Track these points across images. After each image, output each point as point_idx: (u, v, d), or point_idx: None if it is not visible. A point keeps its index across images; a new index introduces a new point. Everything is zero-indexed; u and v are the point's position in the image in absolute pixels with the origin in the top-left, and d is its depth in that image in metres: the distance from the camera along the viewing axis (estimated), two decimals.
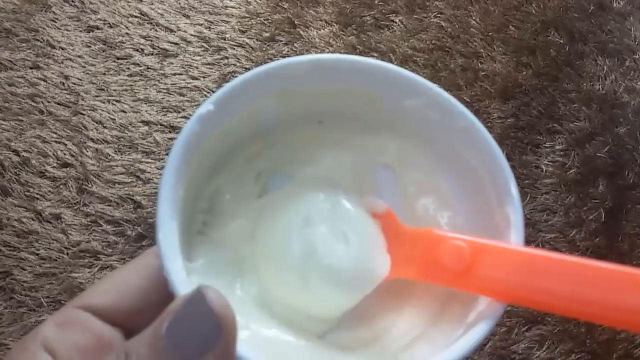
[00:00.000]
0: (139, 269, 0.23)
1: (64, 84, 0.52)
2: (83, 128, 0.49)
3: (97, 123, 0.50)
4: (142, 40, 0.55)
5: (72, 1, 0.57)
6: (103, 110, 0.50)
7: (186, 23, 0.56)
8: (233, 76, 0.53)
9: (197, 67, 0.53)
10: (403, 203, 0.27)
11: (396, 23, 0.56)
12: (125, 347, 0.18)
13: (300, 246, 0.25)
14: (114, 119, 0.50)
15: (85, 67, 0.53)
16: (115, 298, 0.22)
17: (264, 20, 0.56)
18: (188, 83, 0.52)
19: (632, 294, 0.19)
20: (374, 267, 0.25)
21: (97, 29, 0.56)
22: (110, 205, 0.46)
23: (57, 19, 0.56)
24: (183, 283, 0.20)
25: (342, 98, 0.27)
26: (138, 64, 0.53)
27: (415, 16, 0.56)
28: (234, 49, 0.54)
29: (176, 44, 0.55)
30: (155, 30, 0.55)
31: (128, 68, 0.53)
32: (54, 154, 0.48)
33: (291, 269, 0.25)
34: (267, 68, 0.25)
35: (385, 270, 0.25)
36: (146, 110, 0.51)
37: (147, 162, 0.48)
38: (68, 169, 0.48)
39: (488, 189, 0.24)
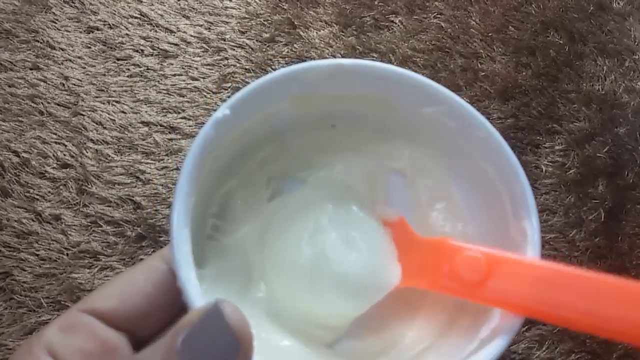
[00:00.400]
0: (144, 272, 0.23)
1: (64, 85, 0.52)
2: (83, 129, 0.49)
3: (97, 124, 0.50)
4: (142, 41, 0.55)
5: (72, 2, 0.57)
6: (103, 111, 0.51)
7: (186, 24, 0.56)
8: (233, 77, 0.53)
9: (197, 68, 0.53)
10: (415, 211, 0.27)
11: (396, 24, 0.56)
12: (138, 358, 0.18)
13: (310, 252, 0.25)
14: (114, 120, 0.50)
15: (85, 68, 0.53)
16: (120, 302, 0.22)
17: (264, 21, 0.56)
18: (188, 84, 0.52)
19: None
20: (384, 275, 0.24)
21: (97, 30, 0.56)
22: (110, 206, 0.46)
23: (57, 20, 0.56)
24: (198, 294, 0.20)
25: (357, 103, 0.26)
26: (138, 65, 0.53)
27: (415, 17, 0.56)
28: (234, 49, 0.54)
29: (176, 44, 0.55)
30: (155, 31, 0.56)
31: (128, 69, 0.53)
32: (53, 155, 0.48)
33: (300, 275, 0.24)
34: (284, 73, 0.25)
35: (396, 279, 0.24)
36: (146, 111, 0.51)
37: (147, 163, 0.48)
38: (68, 169, 0.48)
39: (504, 201, 0.24)
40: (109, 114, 0.50)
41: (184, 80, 0.52)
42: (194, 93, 0.52)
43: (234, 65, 0.53)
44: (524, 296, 0.21)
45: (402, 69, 0.25)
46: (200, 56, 0.54)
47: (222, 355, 0.17)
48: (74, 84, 0.52)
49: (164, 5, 0.57)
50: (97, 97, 0.51)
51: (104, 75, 0.53)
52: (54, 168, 0.48)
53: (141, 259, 0.44)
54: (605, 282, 0.20)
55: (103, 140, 0.49)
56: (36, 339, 0.20)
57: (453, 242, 0.24)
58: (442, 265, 0.23)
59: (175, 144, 0.49)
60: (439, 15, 0.56)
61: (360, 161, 0.27)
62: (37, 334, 0.20)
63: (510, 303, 0.21)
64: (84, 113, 0.50)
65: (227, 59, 0.54)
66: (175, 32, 0.55)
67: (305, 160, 0.27)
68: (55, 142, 0.49)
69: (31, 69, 0.53)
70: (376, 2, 0.57)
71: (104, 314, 0.21)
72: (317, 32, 0.55)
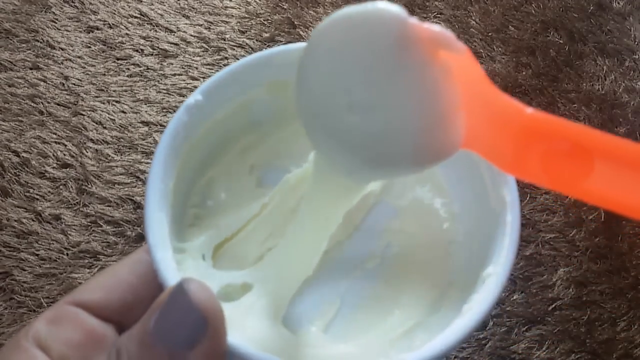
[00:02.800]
0: (129, 265, 0.23)
1: (63, 84, 0.52)
2: (83, 129, 0.49)
3: (96, 124, 0.50)
4: (142, 41, 0.55)
5: (72, 2, 0.57)
6: (103, 111, 0.51)
7: (186, 24, 0.56)
8: None
9: (197, 68, 0.53)
10: (399, 192, 0.27)
11: None
12: (117, 343, 0.18)
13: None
14: (114, 120, 0.50)
15: (85, 67, 0.53)
16: (106, 293, 0.22)
17: (264, 20, 0.56)
18: (188, 83, 0.52)
19: None
20: (440, 130, 0.19)
21: (97, 29, 0.56)
22: (110, 206, 0.46)
23: (57, 19, 0.56)
24: (172, 274, 0.20)
25: None
26: (138, 65, 0.53)
27: (414, 17, 0.56)
28: (234, 49, 0.54)
29: (176, 44, 0.55)
30: (155, 30, 0.56)
31: (128, 69, 0.53)
32: (53, 155, 0.48)
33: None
34: (256, 56, 0.25)
35: (456, 138, 0.19)
36: (146, 111, 0.51)
37: (147, 163, 0.48)
38: (68, 169, 0.48)
39: (483, 172, 0.24)
40: (109, 113, 0.50)
41: (184, 80, 0.52)
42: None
43: None
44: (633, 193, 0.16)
45: None
46: (200, 56, 0.54)
47: (192, 333, 0.17)
48: (74, 84, 0.52)
49: (164, 5, 0.57)
50: (97, 96, 0.51)
51: (104, 75, 0.53)
52: (54, 168, 0.48)
53: None
54: None
55: (103, 140, 0.49)
56: (24, 332, 0.20)
57: (552, 118, 0.17)
58: (532, 147, 0.17)
59: None
60: (439, 15, 0.56)
61: None
62: (25, 327, 0.21)
63: (615, 202, 0.16)
64: (84, 113, 0.50)
65: (227, 58, 0.54)
66: (175, 32, 0.55)
67: (287, 149, 0.27)
68: (55, 142, 0.49)
69: (31, 69, 0.53)
70: None
71: (90, 306, 0.22)
72: None
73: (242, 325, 0.22)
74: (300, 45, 0.25)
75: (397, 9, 0.19)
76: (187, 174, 0.25)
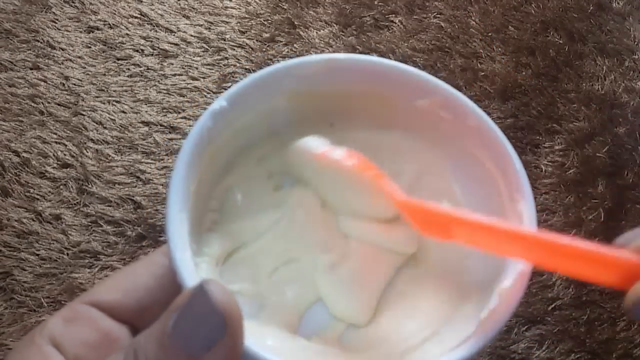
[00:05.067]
0: (147, 266, 0.23)
1: (64, 84, 0.52)
2: (83, 129, 0.50)
3: (97, 124, 0.50)
4: (142, 41, 0.55)
5: (73, 2, 0.57)
6: (103, 111, 0.51)
7: (186, 24, 0.56)
8: (233, 77, 0.53)
9: (197, 68, 0.53)
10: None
11: (396, 24, 0.56)
12: (134, 343, 0.18)
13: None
14: (114, 120, 0.50)
15: (85, 67, 0.53)
16: (123, 295, 0.22)
17: (264, 20, 0.56)
18: (188, 84, 0.52)
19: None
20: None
21: (97, 29, 0.56)
22: (110, 206, 0.46)
23: (57, 19, 0.56)
24: (191, 275, 0.20)
25: (353, 99, 0.26)
26: (138, 65, 0.53)
27: (414, 17, 0.56)
28: (234, 49, 0.54)
29: (176, 44, 0.55)
30: (155, 31, 0.56)
31: (128, 69, 0.53)
32: (54, 155, 0.48)
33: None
34: (279, 66, 0.25)
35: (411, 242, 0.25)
36: (146, 111, 0.51)
37: (147, 163, 0.48)
38: (68, 169, 0.48)
39: (500, 186, 0.24)
40: (109, 113, 0.50)
41: (184, 80, 0.52)
42: (194, 93, 0.52)
43: (234, 65, 0.53)
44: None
45: (395, 62, 0.25)
46: (200, 56, 0.54)
47: (210, 335, 0.17)
48: (74, 84, 0.52)
49: (164, 5, 0.57)
50: (97, 96, 0.52)
51: (104, 75, 0.53)
52: (54, 168, 0.48)
53: None
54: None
55: (103, 140, 0.49)
56: (39, 330, 0.20)
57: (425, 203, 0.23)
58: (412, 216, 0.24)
59: (176, 144, 0.49)
60: (438, 15, 0.56)
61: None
62: (40, 325, 0.21)
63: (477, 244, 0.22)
64: (84, 113, 0.50)
65: (227, 58, 0.54)
66: (175, 32, 0.55)
67: None
68: (56, 142, 0.49)
69: (31, 69, 0.53)
70: (376, 2, 0.57)
71: (106, 306, 0.21)
72: (317, 32, 0.55)
73: (261, 334, 0.22)
74: (323, 56, 0.25)
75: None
76: (208, 179, 0.25)
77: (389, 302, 0.25)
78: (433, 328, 0.24)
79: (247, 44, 0.55)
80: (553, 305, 0.41)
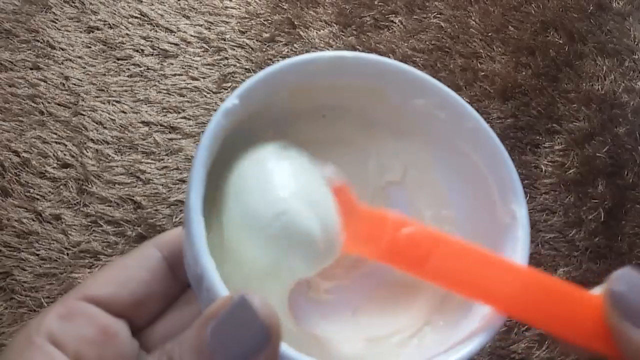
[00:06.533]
0: (139, 259, 0.23)
1: (64, 84, 0.52)
2: (83, 129, 0.50)
3: (97, 124, 0.50)
4: (142, 41, 0.55)
5: (73, 2, 0.57)
6: (103, 111, 0.51)
7: (186, 24, 0.56)
8: (233, 77, 0.53)
9: (197, 68, 0.53)
10: (405, 202, 0.27)
11: (396, 24, 0.56)
12: (167, 350, 0.18)
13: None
14: (114, 120, 0.50)
15: (85, 67, 0.53)
16: (117, 289, 0.22)
17: (264, 20, 0.56)
18: (188, 84, 0.52)
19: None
20: (334, 240, 0.24)
21: (97, 29, 0.56)
22: (110, 206, 0.46)
23: (57, 19, 0.56)
24: (220, 283, 0.20)
25: (348, 93, 0.27)
26: (138, 65, 0.53)
27: (414, 17, 0.56)
28: (234, 49, 0.54)
29: (176, 44, 0.55)
30: (155, 31, 0.56)
31: (128, 69, 0.53)
32: (54, 155, 0.48)
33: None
34: (288, 64, 0.25)
35: (339, 244, 0.24)
36: (146, 111, 0.51)
37: (147, 163, 0.48)
38: (68, 169, 0.48)
39: (491, 187, 0.24)
40: (109, 113, 0.50)
41: (184, 80, 0.52)
42: (194, 93, 0.52)
43: (234, 65, 0.53)
44: (463, 278, 0.21)
45: (396, 61, 0.26)
46: (200, 56, 0.54)
47: (254, 346, 0.17)
48: (74, 84, 0.52)
49: (164, 5, 0.57)
50: (97, 96, 0.52)
51: (104, 75, 0.53)
52: (54, 168, 0.48)
53: None
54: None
55: (103, 140, 0.49)
56: (35, 328, 0.20)
57: (394, 214, 0.23)
58: (382, 237, 0.23)
59: (176, 144, 0.49)
60: (438, 15, 0.56)
61: (349, 151, 0.27)
62: (35, 322, 0.20)
63: (451, 283, 0.22)
64: (84, 113, 0.50)
65: (227, 58, 0.54)
66: (175, 32, 0.55)
67: (299, 149, 0.27)
68: (56, 142, 0.49)
69: (31, 69, 0.53)
70: (376, 2, 0.57)
71: (101, 301, 0.21)
72: (317, 32, 0.55)
73: None
74: (329, 54, 0.25)
75: None
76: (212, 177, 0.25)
77: (378, 295, 0.25)
78: (425, 318, 0.24)
79: (247, 44, 0.55)
80: None
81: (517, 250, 0.22)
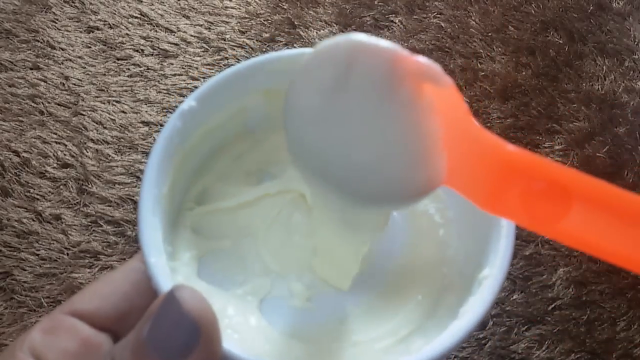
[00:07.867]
0: (124, 272, 0.23)
1: (64, 84, 0.52)
2: (83, 129, 0.50)
3: (97, 124, 0.50)
4: (142, 41, 0.55)
5: (73, 2, 0.57)
6: (103, 111, 0.51)
7: (186, 24, 0.56)
8: None
9: (197, 68, 0.53)
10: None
11: (396, 24, 0.56)
12: (112, 352, 0.18)
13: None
14: (114, 120, 0.50)
15: (85, 67, 0.53)
16: (100, 302, 0.22)
17: (264, 20, 0.56)
18: (188, 84, 0.52)
19: None
20: (421, 167, 0.19)
21: (97, 29, 0.56)
22: (110, 206, 0.46)
23: (57, 19, 0.56)
24: (165, 280, 0.20)
25: None
26: (138, 65, 0.53)
27: (414, 17, 0.56)
28: (234, 49, 0.54)
29: (176, 44, 0.55)
30: (156, 31, 0.56)
31: (128, 69, 0.53)
32: (54, 155, 0.48)
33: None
34: (250, 63, 0.25)
35: (438, 174, 0.19)
36: (146, 111, 0.51)
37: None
38: (68, 169, 0.48)
39: None
40: (109, 113, 0.50)
41: (184, 80, 0.53)
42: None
43: (234, 65, 0.53)
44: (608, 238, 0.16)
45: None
46: (200, 56, 0.54)
47: (185, 342, 0.17)
48: (74, 84, 0.52)
49: (164, 5, 0.57)
50: (97, 96, 0.52)
51: (104, 75, 0.53)
52: (54, 168, 0.48)
53: None
54: None
55: (103, 140, 0.49)
56: (19, 343, 0.20)
57: (526, 154, 0.18)
58: (511, 185, 0.17)
59: None
60: (438, 15, 0.56)
61: None
62: (20, 338, 0.20)
63: (590, 244, 0.17)
64: (84, 113, 0.50)
65: (227, 58, 0.54)
66: (175, 32, 0.55)
67: (278, 156, 0.27)
68: (56, 142, 0.49)
69: (31, 69, 0.53)
70: (376, 2, 0.57)
71: (85, 315, 0.21)
72: (317, 32, 0.55)
73: (252, 339, 0.22)
74: (293, 51, 0.25)
75: (387, 44, 0.18)
76: (182, 180, 0.24)
77: (370, 299, 0.25)
78: (417, 321, 0.24)
79: (247, 44, 0.55)
80: (553, 305, 0.41)
81: (501, 236, 0.22)
